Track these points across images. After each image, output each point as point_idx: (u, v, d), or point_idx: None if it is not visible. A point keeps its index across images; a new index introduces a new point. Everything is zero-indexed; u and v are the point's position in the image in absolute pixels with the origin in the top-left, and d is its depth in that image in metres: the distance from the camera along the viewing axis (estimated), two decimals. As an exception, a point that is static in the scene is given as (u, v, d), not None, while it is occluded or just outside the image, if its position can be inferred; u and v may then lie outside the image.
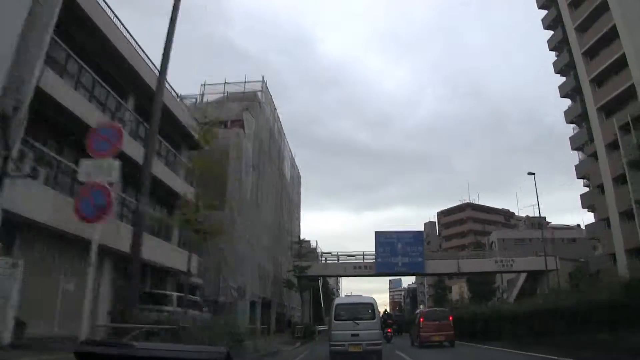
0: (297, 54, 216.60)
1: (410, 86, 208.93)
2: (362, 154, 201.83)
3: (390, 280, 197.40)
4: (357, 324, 14.01)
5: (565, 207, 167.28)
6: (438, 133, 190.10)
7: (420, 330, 21.68)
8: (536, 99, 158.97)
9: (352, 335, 13.82)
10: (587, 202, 44.94)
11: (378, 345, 14.11)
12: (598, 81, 39.82)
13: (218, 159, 22.90)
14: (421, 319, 22.30)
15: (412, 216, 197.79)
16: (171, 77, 34.78)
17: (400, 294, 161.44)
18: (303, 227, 59.87)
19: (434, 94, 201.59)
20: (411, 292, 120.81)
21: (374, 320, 14.38)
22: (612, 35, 36.79)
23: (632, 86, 34.13)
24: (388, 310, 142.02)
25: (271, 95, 41.44)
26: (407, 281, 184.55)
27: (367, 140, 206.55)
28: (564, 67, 46.51)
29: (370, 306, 14.84)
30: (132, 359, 1.95)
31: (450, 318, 22.06)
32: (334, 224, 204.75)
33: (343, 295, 65.58)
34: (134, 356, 1.97)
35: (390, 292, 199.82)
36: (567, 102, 48.51)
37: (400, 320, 40.95)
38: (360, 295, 21.27)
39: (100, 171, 8.97)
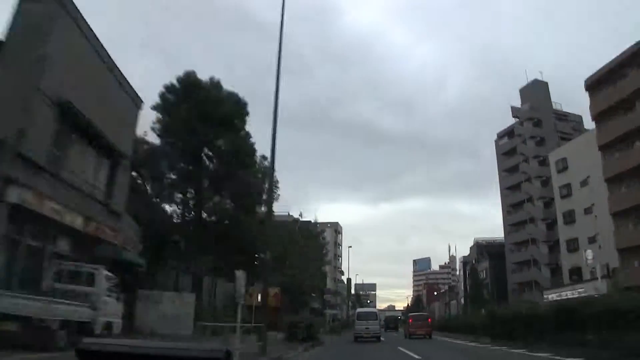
0: (320, 27, 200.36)
1: (436, 65, 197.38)
2: (381, 139, 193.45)
3: (414, 262, 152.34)
4: (368, 322, 27.39)
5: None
6: (464, 116, 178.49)
7: (409, 327, 32.40)
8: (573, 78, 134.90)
9: (365, 328, 26.96)
10: None
11: (378, 333, 28.16)
12: None
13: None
14: (410, 320, 34.04)
15: (430, 208, 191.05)
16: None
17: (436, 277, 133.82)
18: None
19: (461, 73, 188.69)
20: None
21: (376, 321, 28.68)
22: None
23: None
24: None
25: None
26: (438, 260, 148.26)
27: (388, 124, 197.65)
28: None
29: (375, 314, 30.69)
30: (132, 357, 1.93)
31: (429, 320, 34.22)
32: (349, 216, 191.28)
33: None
34: (133, 354, 1.96)
35: (414, 275, 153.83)
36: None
37: (395, 320, 59.42)
38: (370, 307, 53.98)
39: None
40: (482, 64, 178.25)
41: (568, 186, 47.55)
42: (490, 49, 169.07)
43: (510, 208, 62.89)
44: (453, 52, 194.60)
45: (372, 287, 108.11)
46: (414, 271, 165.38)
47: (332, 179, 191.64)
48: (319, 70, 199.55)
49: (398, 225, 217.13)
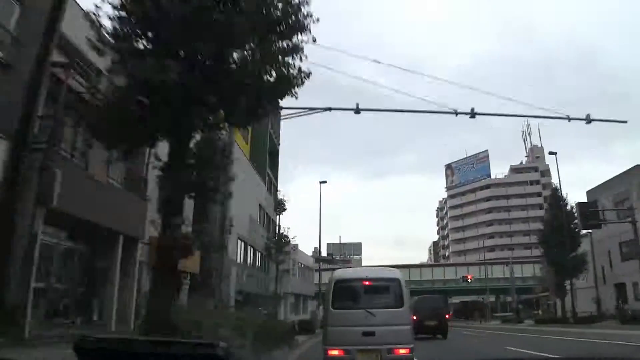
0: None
1: (447, 23, 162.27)
2: (381, 106, 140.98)
3: (448, 168, 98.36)
4: (373, 315, 8.65)
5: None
6: (474, 82, 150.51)
7: None
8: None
9: (364, 334, 8.56)
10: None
11: (406, 349, 8.62)
12: None
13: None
14: None
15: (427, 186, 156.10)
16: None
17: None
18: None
19: (473, 33, 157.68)
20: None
21: (400, 309, 8.95)
22: None
23: None
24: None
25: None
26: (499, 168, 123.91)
27: (390, 88, 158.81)
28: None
29: (395, 285, 9.25)
30: (129, 353, 1.92)
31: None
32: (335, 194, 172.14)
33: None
34: (131, 349, 1.95)
35: (450, 197, 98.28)
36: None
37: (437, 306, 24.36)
38: (377, 268, 13.20)
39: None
40: (500, 24, 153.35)
41: None
42: (507, 6, 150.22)
43: None
44: (464, 9, 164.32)
45: (357, 248, 71.51)
46: (447, 187, 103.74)
47: (322, 154, 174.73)
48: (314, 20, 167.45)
49: (393, 209, 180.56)
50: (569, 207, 31.38)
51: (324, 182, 33.30)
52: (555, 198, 32.49)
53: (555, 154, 30.70)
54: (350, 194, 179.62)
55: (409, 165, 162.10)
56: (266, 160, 34.06)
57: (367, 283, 9.34)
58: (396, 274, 9.90)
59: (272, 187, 37.64)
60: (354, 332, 8.60)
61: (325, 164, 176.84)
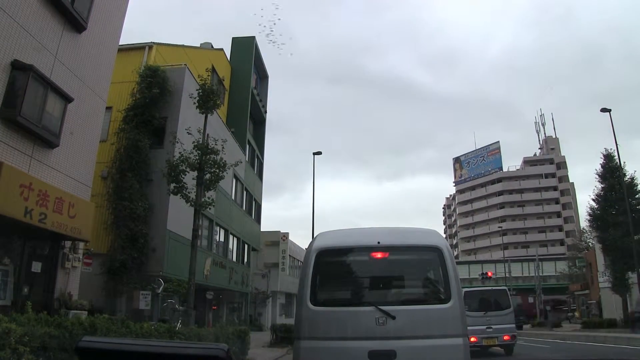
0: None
1: (484, 11, 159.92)
2: (410, 100, 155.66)
3: (457, 162, 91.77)
4: (391, 316, 4.87)
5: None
6: (511, 74, 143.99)
7: None
8: None
9: (374, 356, 4.73)
10: None
11: None
12: None
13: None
14: None
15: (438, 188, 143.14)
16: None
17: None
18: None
19: (513, 20, 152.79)
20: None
21: (444, 306, 5.05)
22: None
23: None
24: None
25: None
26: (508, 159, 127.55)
27: (422, 81, 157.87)
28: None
29: (435, 258, 5.32)
30: (133, 354, 1.88)
31: None
32: (347, 197, 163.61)
33: None
34: (135, 351, 1.92)
35: (459, 192, 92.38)
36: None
37: None
38: (399, 228, 5.88)
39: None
40: (537, 11, 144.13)
41: None
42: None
43: None
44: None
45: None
46: (455, 182, 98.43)
47: (340, 149, 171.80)
48: (344, 8, 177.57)
49: (407, 210, 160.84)
50: (627, 179, 25.19)
51: (319, 153, 27.22)
52: (610, 166, 26.15)
53: (610, 110, 24.30)
54: (362, 192, 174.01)
55: (418, 165, 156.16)
56: (247, 125, 27.80)
57: (378, 255, 5.41)
58: (435, 237, 5.56)
59: (257, 162, 31.34)
60: (353, 353, 4.79)
61: (339, 162, 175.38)
